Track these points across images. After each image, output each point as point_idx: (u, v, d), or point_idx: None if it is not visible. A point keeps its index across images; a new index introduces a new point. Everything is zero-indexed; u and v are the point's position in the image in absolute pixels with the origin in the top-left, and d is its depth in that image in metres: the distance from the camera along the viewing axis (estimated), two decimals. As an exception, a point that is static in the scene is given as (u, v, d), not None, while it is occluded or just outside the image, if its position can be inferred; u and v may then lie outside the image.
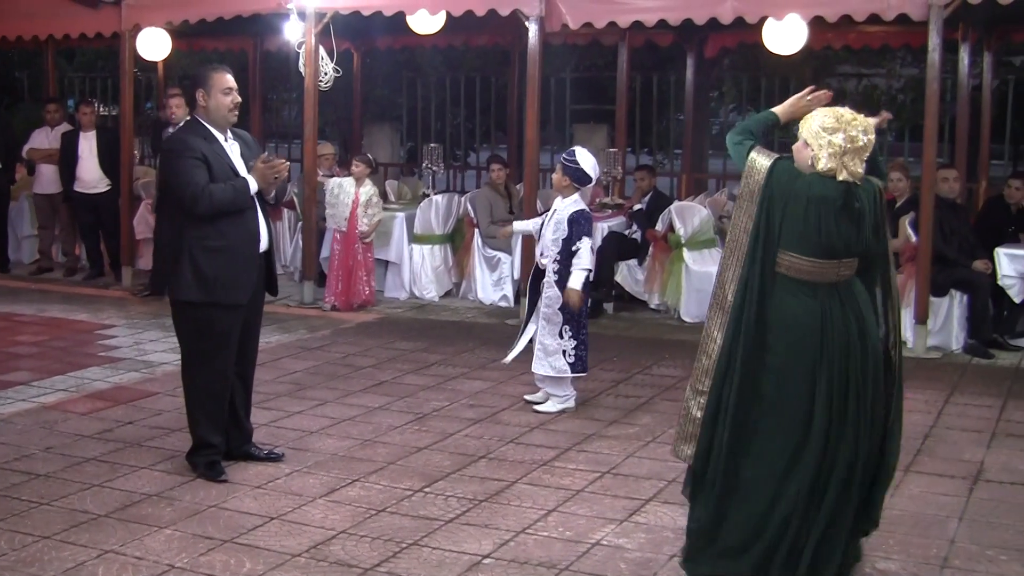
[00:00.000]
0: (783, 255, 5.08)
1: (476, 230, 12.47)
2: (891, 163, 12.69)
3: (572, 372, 8.07)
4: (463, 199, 12.94)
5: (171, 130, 11.72)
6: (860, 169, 5.07)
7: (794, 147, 5.24)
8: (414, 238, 12.57)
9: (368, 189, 11.70)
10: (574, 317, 8.01)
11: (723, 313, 5.20)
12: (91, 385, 8.63)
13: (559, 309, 7.99)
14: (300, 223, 12.92)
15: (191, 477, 6.51)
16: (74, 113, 14.04)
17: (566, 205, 8.07)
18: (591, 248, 7.99)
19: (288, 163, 6.63)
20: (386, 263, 12.80)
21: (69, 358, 9.51)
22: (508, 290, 12.23)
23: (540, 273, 8.15)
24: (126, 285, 12.88)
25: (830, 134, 5.05)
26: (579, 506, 6.18)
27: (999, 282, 10.25)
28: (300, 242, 12.86)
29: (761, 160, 5.14)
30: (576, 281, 7.93)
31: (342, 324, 11.12)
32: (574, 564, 5.39)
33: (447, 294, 12.74)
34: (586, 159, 8.10)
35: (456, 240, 12.87)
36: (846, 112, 5.15)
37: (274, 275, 6.81)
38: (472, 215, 12.54)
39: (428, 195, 12.97)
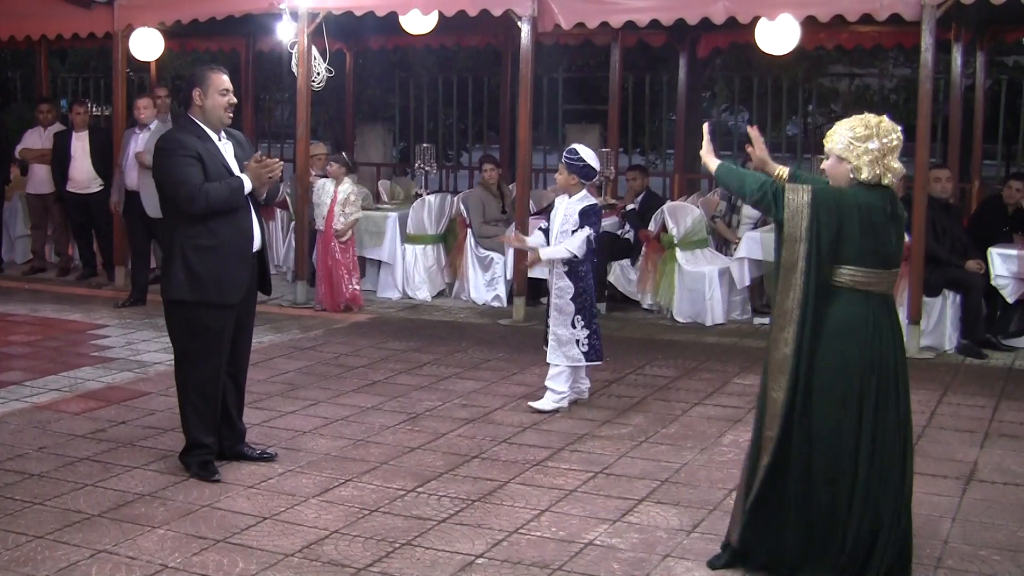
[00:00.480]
0: (844, 269, 5.11)
1: (469, 230, 12.47)
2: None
3: (587, 361, 8.09)
4: (456, 199, 12.94)
5: (137, 131, 11.77)
6: (900, 166, 5.16)
7: (825, 166, 5.28)
8: (407, 238, 12.57)
9: (346, 188, 11.62)
10: (585, 307, 8.05)
11: (782, 375, 5.16)
12: (84, 385, 8.62)
13: (570, 299, 8.02)
14: (293, 223, 12.92)
15: (184, 477, 6.51)
16: (67, 113, 14.02)
17: (575, 201, 8.12)
18: (588, 239, 8.02)
19: (281, 163, 6.61)
20: (379, 263, 12.81)
21: (62, 358, 9.50)
22: (501, 290, 12.23)
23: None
24: (119, 285, 12.86)
25: (864, 142, 5.12)
26: (572, 506, 6.18)
27: (992, 282, 10.26)
28: (293, 242, 12.85)
29: (797, 199, 5.09)
30: (550, 252, 8.06)
31: (335, 324, 11.12)
32: (567, 564, 5.39)
33: (440, 294, 12.74)
34: (588, 153, 8.16)
35: (449, 240, 12.87)
36: (870, 117, 5.22)
37: (267, 274, 6.81)
38: (465, 215, 12.54)
39: (421, 195, 12.97)
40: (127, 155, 11.88)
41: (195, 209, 6.30)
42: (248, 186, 6.43)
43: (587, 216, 8.03)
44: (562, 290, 8.09)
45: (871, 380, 5.09)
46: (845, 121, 5.26)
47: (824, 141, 5.30)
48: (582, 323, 8.06)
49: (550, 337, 8.14)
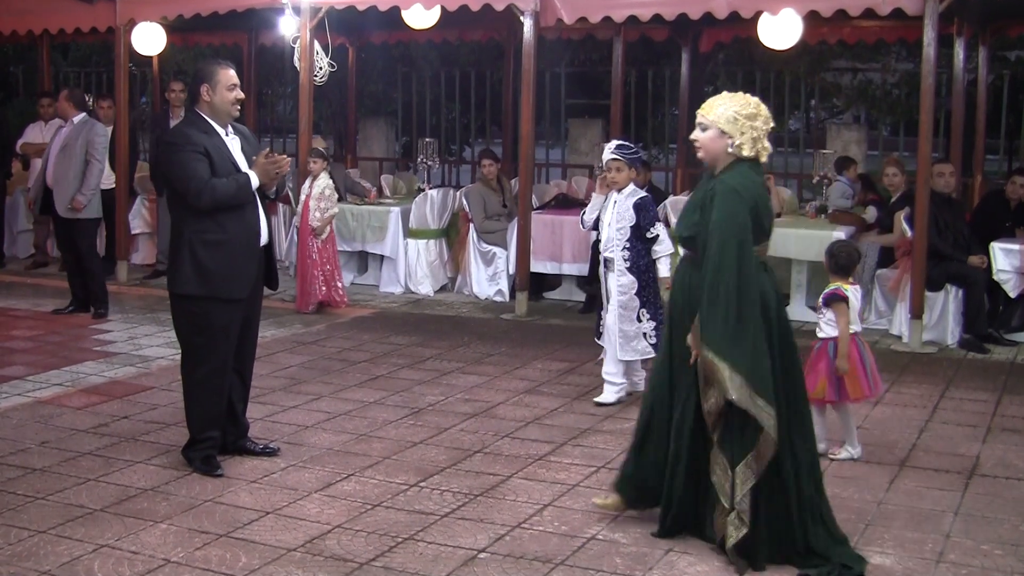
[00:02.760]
0: (760, 247, 5.31)
1: (471, 225, 12.47)
2: (886, 158, 12.72)
3: (656, 352, 8.03)
4: (458, 194, 12.94)
5: (61, 124, 11.20)
6: (770, 147, 5.34)
7: (701, 138, 5.34)
8: (409, 233, 12.57)
9: (321, 182, 11.49)
10: (649, 299, 8.05)
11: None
12: (86, 379, 8.62)
13: (635, 294, 8.03)
14: (295, 218, 12.91)
15: (187, 472, 6.51)
16: (92, 108, 13.95)
17: (624, 196, 8.12)
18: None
19: (289, 159, 6.62)
20: (381, 258, 12.82)
21: (64, 352, 9.50)
22: (503, 285, 12.23)
23: (605, 262, 8.22)
24: (120, 279, 12.87)
25: (751, 120, 5.24)
26: (574, 500, 6.18)
27: (994, 277, 10.27)
28: (295, 237, 12.85)
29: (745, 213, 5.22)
30: (665, 268, 8.06)
31: (337, 319, 11.12)
32: (569, 559, 5.39)
33: (442, 289, 12.74)
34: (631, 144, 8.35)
35: (451, 235, 12.88)
36: (750, 96, 5.35)
37: (274, 269, 6.80)
38: (467, 210, 12.54)
39: (423, 190, 12.98)
40: (51, 151, 11.11)
41: (202, 204, 6.31)
42: (255, 182, 6.44)
43: (646, 211, 8.04)
44: (625, 286, 8.05)
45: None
46: (724, 96, 5.35)
47: (700, 112, 5.35)
48: (648, 316, 8.04)
49: (617, 335, 8.09)
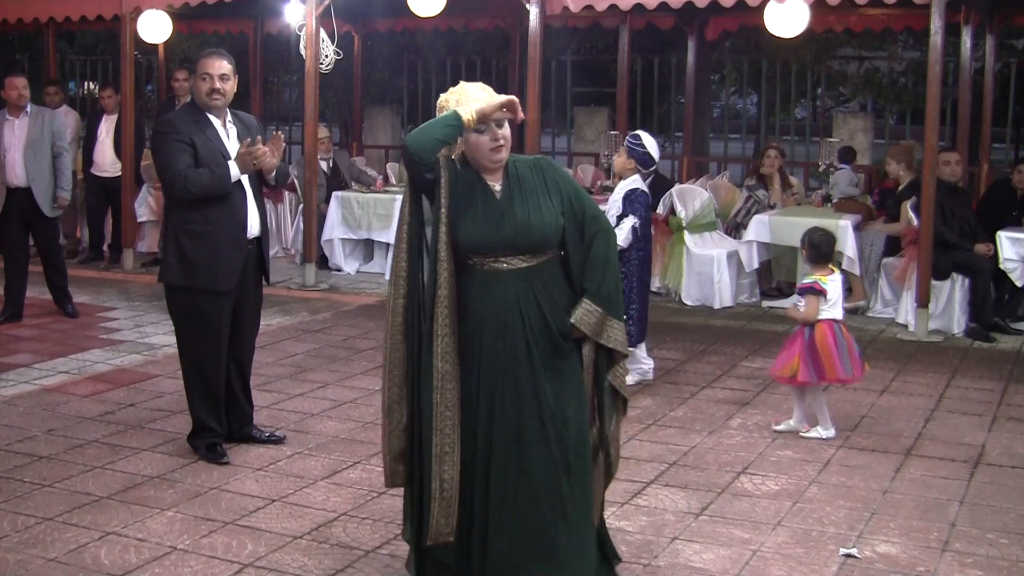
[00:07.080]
0: None
1: (477, 213, 12.44)
2: (892, 147, 12.71)
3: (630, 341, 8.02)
4: (464, 182, 12.91)
5: (9, 116, 10.29)
6: None
7: (509, 134, 4.75)
8: (415, 221, 12.54)
9: None
10: (625, 292, 8.01)
11: None
12: (92, 367, 8.63)
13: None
14: (301, 205, 12.92)
15: (192, 459, 6.52)
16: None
17: (623, 185, 8.11)
18: (633, 228, 7.91)
19: (267, 149, 6.42)
20: (387, 245, 12.82)
21: (70, 340, 9.51)
22: (508, 273, 12.19)
23: None
24: (127, 268, 12.89)
25: None
26: (580, 489, 6.18)
27: (1001, 265, 10.24)
28: (301, 224, 12.86)
29: None
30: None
31: (343, 306, 11.12)
32: (575, 546, 5.39)
33: (448, 277, 12.71)
34: (650, 142, 8.16)
35: (457, 223, 12.85)
36: None
37: (266, 262, 6.74)
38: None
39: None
40: (12, 147, 10.12)
41: (176, 193, 6.30)
42: (235, 173, 6.37)
43: (629, 202, 7.97)
44: None
45: None
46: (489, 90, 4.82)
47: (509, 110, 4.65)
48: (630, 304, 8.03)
49: None
